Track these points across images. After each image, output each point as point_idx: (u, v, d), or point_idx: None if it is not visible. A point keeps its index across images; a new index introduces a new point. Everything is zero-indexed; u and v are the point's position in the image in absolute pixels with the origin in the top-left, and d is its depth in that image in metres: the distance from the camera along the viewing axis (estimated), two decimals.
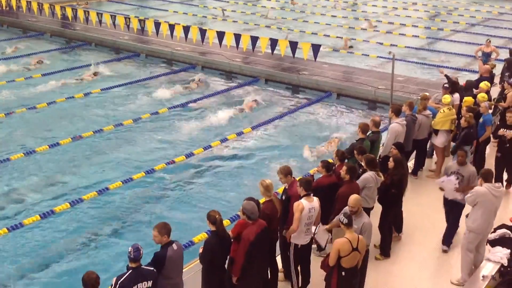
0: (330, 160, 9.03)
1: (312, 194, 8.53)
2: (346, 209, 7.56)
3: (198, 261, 7.36)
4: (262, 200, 7.82)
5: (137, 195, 12.04)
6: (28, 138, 14.62)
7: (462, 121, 10.99)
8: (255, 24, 28.70)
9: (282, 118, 16.55)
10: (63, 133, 14.93)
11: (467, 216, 8.47)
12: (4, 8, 28.22)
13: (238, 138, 15.02)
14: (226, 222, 10.41)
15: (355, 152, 9.47)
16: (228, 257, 7.19)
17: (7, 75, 19.63)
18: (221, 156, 14.02)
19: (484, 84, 13.06)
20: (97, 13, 23.68)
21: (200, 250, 7.14)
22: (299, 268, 8.08)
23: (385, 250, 9.21)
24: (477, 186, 8.37)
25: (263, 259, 7.36)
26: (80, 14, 24.16)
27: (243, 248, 6.97)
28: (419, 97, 12.71)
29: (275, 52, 19.74)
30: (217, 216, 6.97)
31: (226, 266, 7.24)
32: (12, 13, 28.02)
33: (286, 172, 8.23)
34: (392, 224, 9.39)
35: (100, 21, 23.40)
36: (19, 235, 10.39)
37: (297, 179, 8.34)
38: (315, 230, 7.97)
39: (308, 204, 7.66)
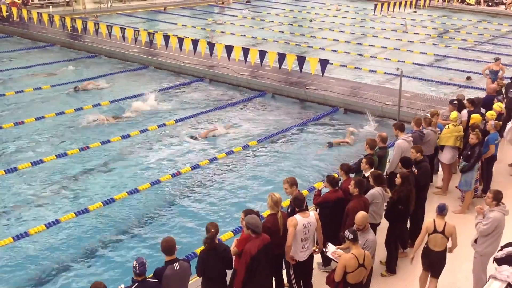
0: (335, 175, 9.01)
1: (318, 210, 8.52)
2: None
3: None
4: (265, 212, 7.80)
5: (142, 206, 12.04)
6: (36, 148, 14.69)
7: (471, 137, 10.94)
8: (263, 39, 28.89)
9: (288, 131, 16.57)
10: (70, 143, 15.00)
11: (475, 241, 8.36)
12: (15, 19, 28.55)
13: (244, 151, 15.02)
14: (230, 234, 10.45)
15: (363, 160, 9.43)
16: (226, 269, 7.15)
17: (17, 85, 19.81)
18: (227, 169, 14.02)
19: (497, 106, 13.02)
20: (107, 26, 23.90)
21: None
22: (301, 283, 8.02)
23: (391, 267, 9.14)
24: (493, 212, 8.09)
25: (266, 273, 7.31)
26: (90, 26, 24.40)
27: (244, 262, 6.94)
28: (428, 113, 12.69)
29: (282, 66, 19.83)
30: (212, 229, 6.91)
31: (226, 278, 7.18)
32: (23, 24, 28.32)
33: (292, 183, 8.23)
34: (398, 240, 9.33)
35: (110, 34, 23.62)
36: (24, 244, 10.40)
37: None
38: (326, 249, 7.89)
39: (303, 220, 7.59)
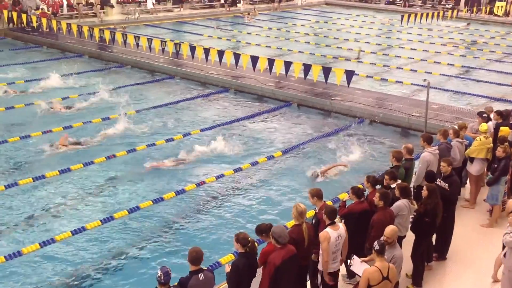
0: (360, 186, 8.92)
1: (343, 221, 8.45)
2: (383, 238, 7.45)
3: (226, 283, 7.30)
4: (290, 223, 7.76)
5: (166, 214, 12.09)
6: (62, 157, 14.88)
7: (499, 150, 10.76)
8: (288, 50, 28.94)
9: (313, 142, 16.51)
10: (97, 152, 15.16)
11: (504, 255, 8.20)
12: (44, 29, 29.12)
13: (268, 161, 15.01)
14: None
15: (385, 177, 9.32)
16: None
17: (46, 94, 20.15)
18: (251, 178, 14.02)
19: None
20: (134, 37, 24.23)
21: (227, 268, 7.08)
22: None
23: (417, 280, 8.99)
24: None
25: (291, 285, 7.25)
26: (118, 37, 24.77)
27: (268, 272, 6.90)
28: (455, 125, 12.52)
29: (308, 77, 19.81)
30: (249, 238, 6.94)
31: None
32: (52, 35, 28.88)
33: (314, 194, 8.18)
34: (424, 253, 9.18)
35: (137, 44, 23.94)
36: (50, 251, 10.52)
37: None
38: (350, 262, 7.81)
39: (334, 233, 7.54)
